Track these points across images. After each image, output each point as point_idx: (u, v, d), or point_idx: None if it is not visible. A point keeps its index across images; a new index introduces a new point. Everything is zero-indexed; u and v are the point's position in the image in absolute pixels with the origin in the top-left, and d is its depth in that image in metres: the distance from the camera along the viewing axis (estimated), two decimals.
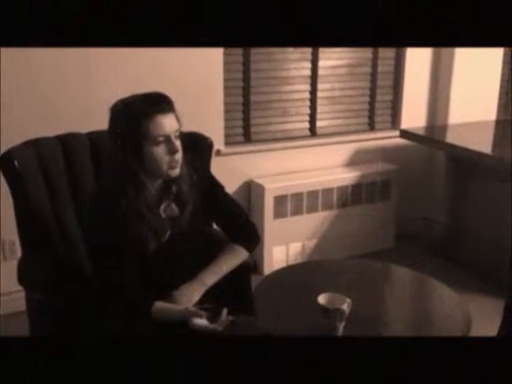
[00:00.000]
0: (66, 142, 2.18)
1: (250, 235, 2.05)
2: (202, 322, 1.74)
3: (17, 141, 2.10)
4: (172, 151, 1.79)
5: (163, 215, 1.88)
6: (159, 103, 1.78)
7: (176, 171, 1.83)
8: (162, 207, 1.88)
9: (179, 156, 1.81)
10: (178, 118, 1.83)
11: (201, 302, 1.85)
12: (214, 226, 2.12)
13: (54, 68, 2.90)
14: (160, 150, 1.78)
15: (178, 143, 1.81)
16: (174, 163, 1.81)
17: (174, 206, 1.90)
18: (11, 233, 2.58)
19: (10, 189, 2.03)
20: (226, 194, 2.05)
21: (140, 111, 1.76)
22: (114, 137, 1.82)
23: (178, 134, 1.81)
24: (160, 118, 1.76)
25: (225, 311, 1.79)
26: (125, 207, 1.78)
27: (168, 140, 1.78)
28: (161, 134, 1.77)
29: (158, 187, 1.86)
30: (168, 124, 1.78)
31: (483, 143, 3.24)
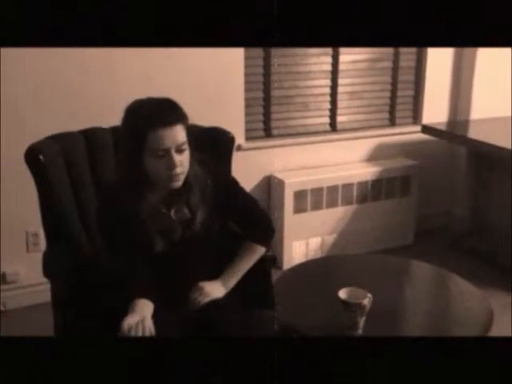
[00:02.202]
0: (90, 136, 2.20)
1: (264, 230, 2.03)
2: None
3: (41, 136, 2.13)
4: (170, 167, 1.73)
5: (174, 217, 1.86)
6: (164, 115, 1.72)
7: (177, 184, 1.78)
8: (173, 211, 1.86)
9: (179, 170, 1.75)
10: (187, 129, 1.77)
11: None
12: None
13: (79, 63, 2.92)
14: (159, 164, 1.73)
15: (179, 157, 1.74)
16: (173, 177, 1.76)
17: (185, 209, 1.87)
18: (34, 225, 2.63)
19: (34, 182, 2.06)
20: (240, 192, 2.02)
21: (142, 121, 1.72)
22: (120, 139, 1.83)
23: (182, 147, 1.75)
24: (161, 131, 1.70)
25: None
26: (131, 208, 1.78)
27: (167, 154, 1.72)
28: (160, 148, 1.71)
29: (166, 192, 1.83)
30: (169, 138, 1.71)
31: (505, 138, 3.21)
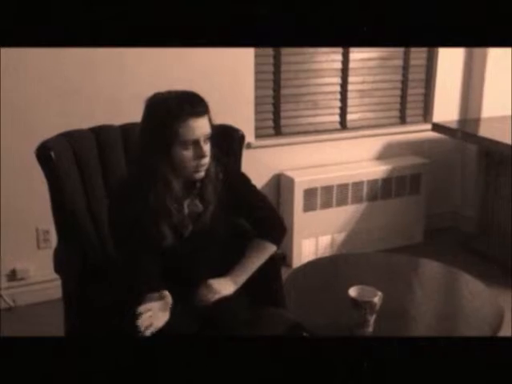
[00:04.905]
0: (100, 133, 2.21)
1: (276, 228, 2.03)
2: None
3: (52, 134, 2.14)
4: (199, 156, 1.77)
5: (186, 211, 1.86)
6: (193, 105, 1.75)
7: (201, 174, 1.81)
8: (186, 203, 1.87)
9: (206, 161, 1.80)
10: (210, 121, 1.80)
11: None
12: None
13: (86, 61, 2.93)
14: (187, 154, 1.76)
15: (206, 148, 1.79)
16: (200, 167, 1.80)
17: (197, 202, 1.88)
18: (45, 222, 2.64)
19: (46, 179, 2.07)
20: (252, 189, 2.02)
21: (173, 112, 1.73)
22: (144, 131, 1.81)
23: (208, 137, 1.79)
24: (192, 121, 1.74)
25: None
26: (148, 202, 1.78)
27: (197, 144, 1.76)
28: (190, 139, 1.75)
29: (182, 184, 1.84)
30: (199, 128, 1.75)
31: None
